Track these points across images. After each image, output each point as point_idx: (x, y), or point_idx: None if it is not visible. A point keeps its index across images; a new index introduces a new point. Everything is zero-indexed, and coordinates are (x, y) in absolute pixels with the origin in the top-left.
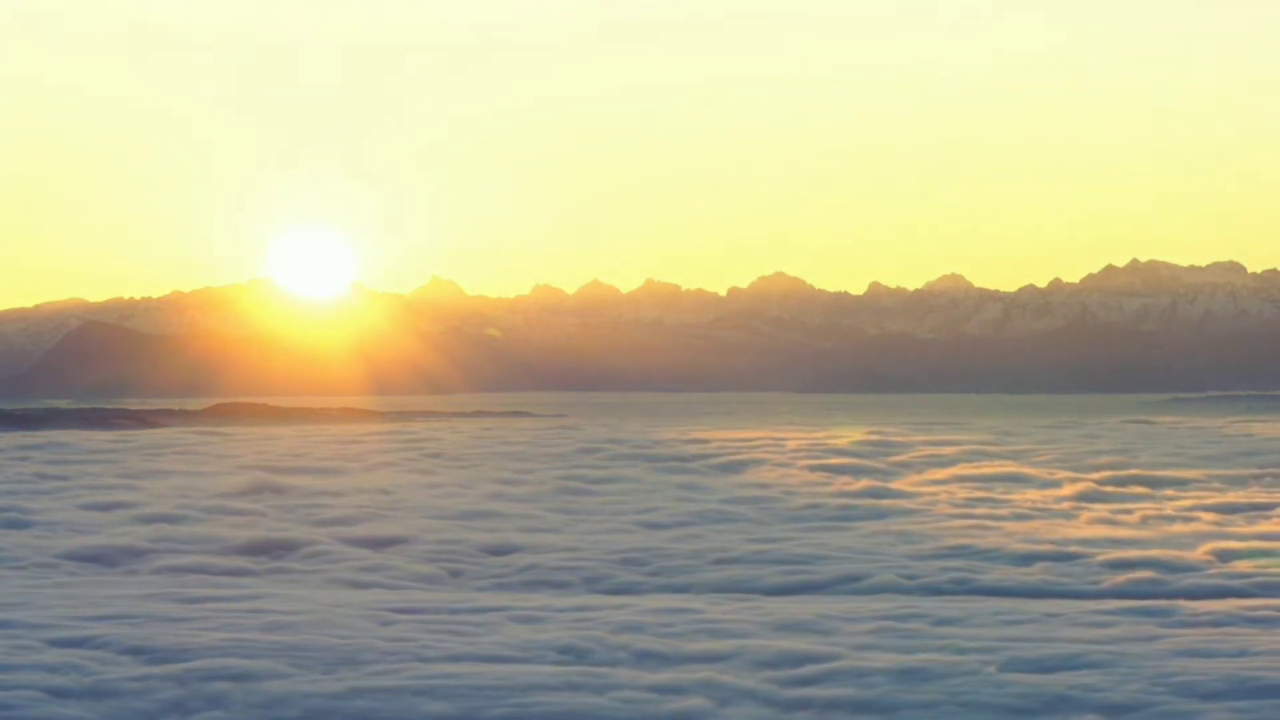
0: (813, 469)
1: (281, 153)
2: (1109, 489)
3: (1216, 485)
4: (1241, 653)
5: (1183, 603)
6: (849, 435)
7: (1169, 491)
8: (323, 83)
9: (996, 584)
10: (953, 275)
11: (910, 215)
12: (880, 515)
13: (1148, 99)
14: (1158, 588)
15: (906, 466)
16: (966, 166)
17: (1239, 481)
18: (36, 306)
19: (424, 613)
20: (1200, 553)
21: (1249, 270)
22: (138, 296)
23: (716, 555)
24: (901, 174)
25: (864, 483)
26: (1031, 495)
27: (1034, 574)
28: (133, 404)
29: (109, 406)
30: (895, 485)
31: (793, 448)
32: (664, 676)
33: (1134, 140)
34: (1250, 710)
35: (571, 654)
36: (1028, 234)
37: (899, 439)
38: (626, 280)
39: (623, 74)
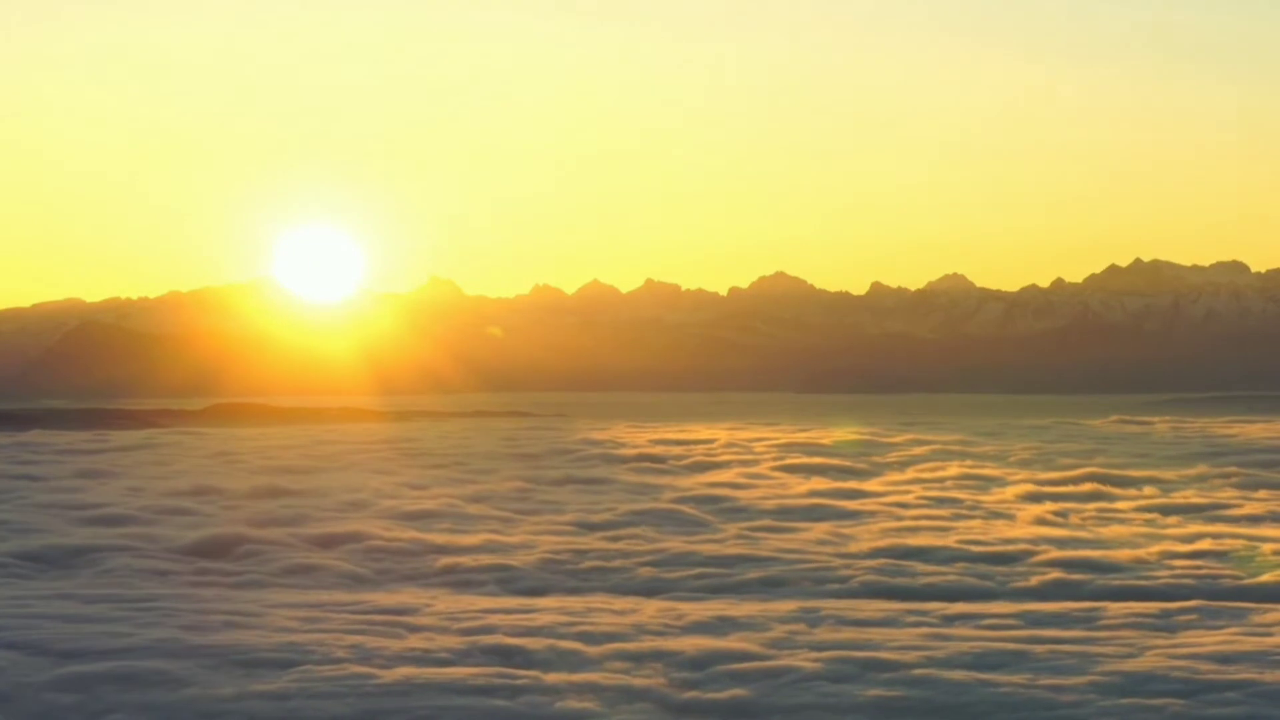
0: (780, 469)
1: (279, 153)
2: (1062, 489)
3: (1169, 486)
4: (1130, 655)
5: (1093, 604)
6: (832, 435)
7: (1119, 491)
8: (321, 83)
9: (908, 585)
10: (954, 275)
11: (910, 215)
12: (827, 516)
13: (1150, 99)
14: (1072, 590)
15: (878, 466)
16: (967, 166)
17: (1192, 482)
18: (34, 306)
19: (341, 613)
20: (1126, 554)
21: (1252, 270)
22: (135, 296)
23: (647, 556)
24: (902, 174)
25: (822, 483)
26: (984, 496)
27: (957, 575)
28: (131, 404)
29: (107, 407)
30: (852, 485)
31: (767, 447)
32: (570, 678)
33: (1137, 140)
34: (1119, 713)
35: (485, 656)
36: (1030, 234)
37: (878, 439)
38: (626, 280)
39: (623, 74)
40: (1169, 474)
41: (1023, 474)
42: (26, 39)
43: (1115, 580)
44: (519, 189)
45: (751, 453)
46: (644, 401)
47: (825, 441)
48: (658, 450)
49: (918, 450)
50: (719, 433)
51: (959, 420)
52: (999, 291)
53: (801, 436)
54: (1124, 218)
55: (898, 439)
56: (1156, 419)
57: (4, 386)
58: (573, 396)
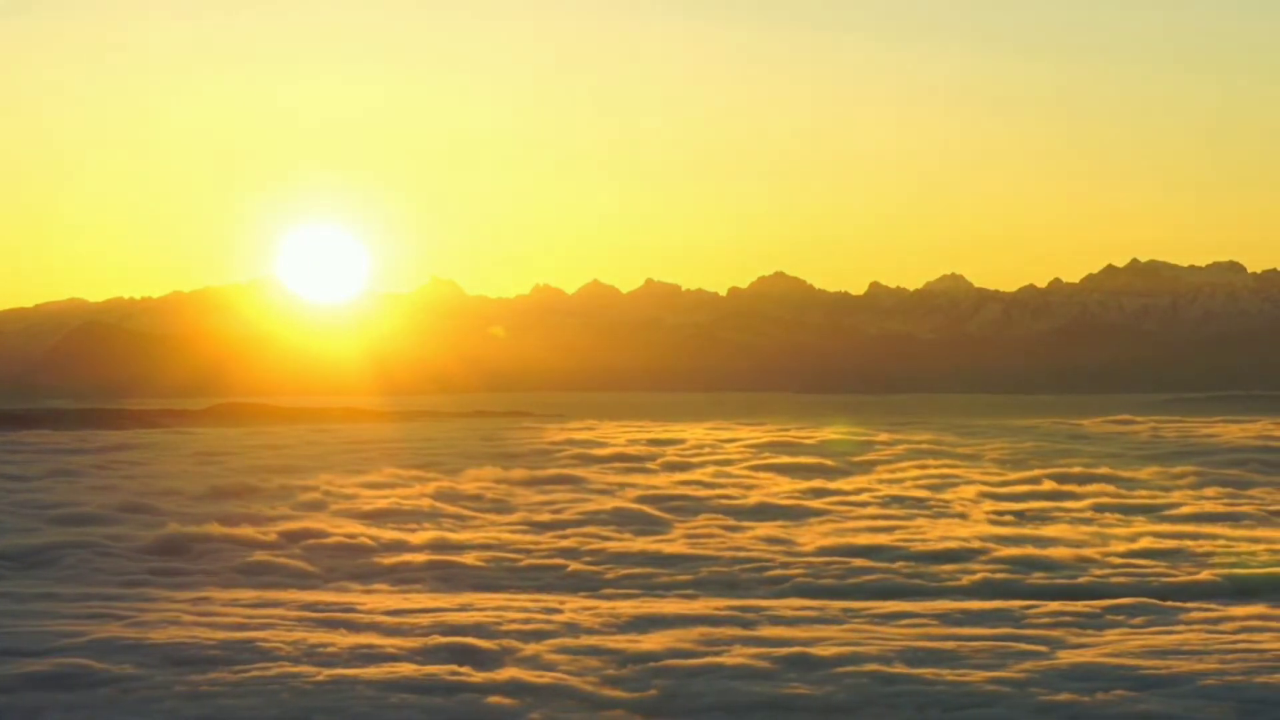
0: (752, 468)
1: (280, 153)
2: (1022, 489)
3: (1127, 485)
4: (1048, 652)
5: (1026, 602)
6: (817, 434)
7: (1078, 489)
8: (323, 83)
9: (848, 584)
10: (953, 275)
11: (910, 215)
12: (784, 515)
13: (1148, 99)
14: (1007, 588)
15: (851, 465)
16: (967, 166)
17: (1150, 482)
18: (36, 306)
19: (283, 610)
20: (1067, 553)
21: (1249, 270)
22: (138, 297)
23: (592, 555)
24: (900, 174)
25: (790, 482)
26: (945, 495)
27: (896, 575)
28: (133, 405)
29: (108, 407)
30: (818, 484)
31: (746, 447)
32: (503, 675)
33: (1134, 140)
34: (1023, 708)
35: (422, 654)
36: (1028, 234)
37: (864, 439)
38: (626, 280)
39: (623, 73)
40: (1131, 474)
41: (990, 474)
42: (28, 38)
43: (1051, 579)
44: (519, 189)
45: (728, 452)
46: (644, 401)
47: (808, 441)
48: (635, 450)
49: (896, 450)
50: (702, 432)
51: (950, 420)
52: (997, 292)
53: (784, 436)
54: (1121, 218)
55: (882, 438)
56: (1144, 419)
57: (6, 386)
58: (576, 396)
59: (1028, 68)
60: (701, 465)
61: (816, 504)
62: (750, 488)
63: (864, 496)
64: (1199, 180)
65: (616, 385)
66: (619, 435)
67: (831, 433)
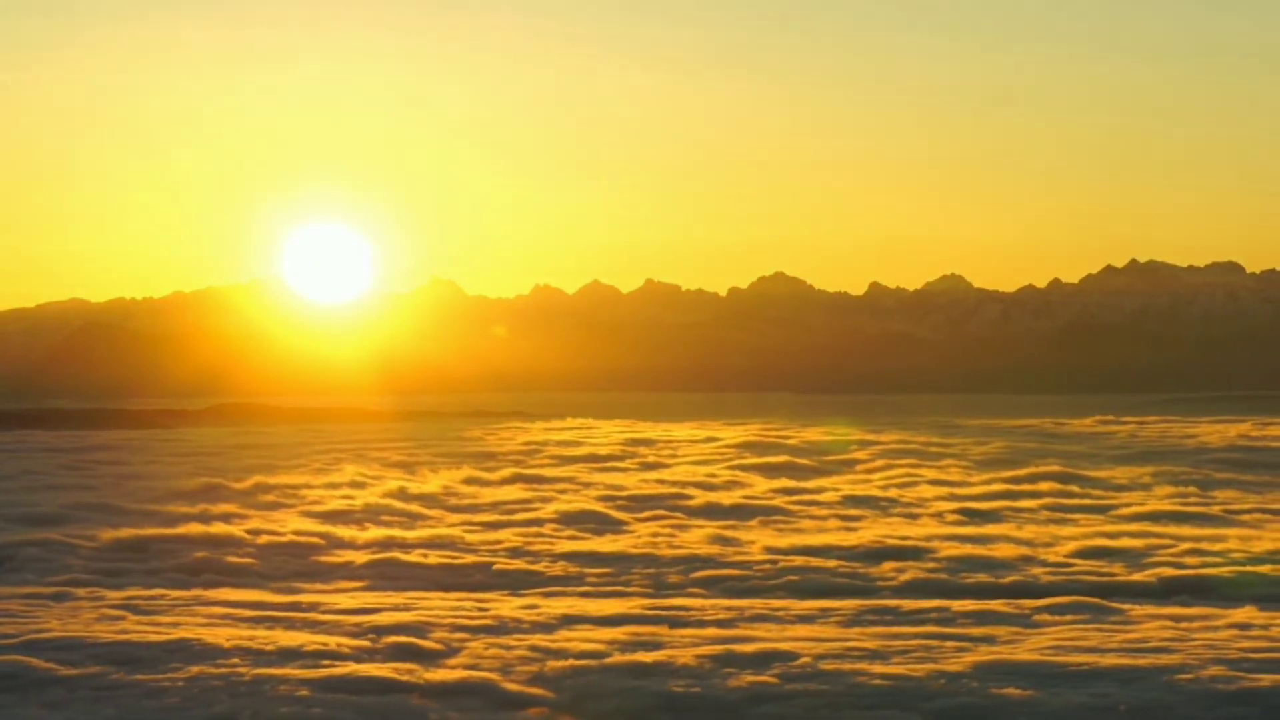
0: (728, 468)
1: (280, 154)
2: (986, 489)
3: (1089, 485)
4: (963, 650)
5: (960, 602)
6: (802, 435)
7: (1040, 488)
8: (323, 84)
9: (785, 584)
10: (953, 275)
11: (910, 215)
12: (744, 514)
13: (1147, 100)
14: (939, 587)
15: (826, 465)
16: (966, 167)
17: (1112, 482)
18: (39, 307)
19: (225, 609)
20: (1011, 551)
21: (1248, 271)
22: (139, 297)
23: (535, 555)
24: (901, 174)
25: (761, 482)
26: (907, 495)
27: (832, 575)
28: (134, 405)
29: (108, 408)
30: (784, 483)
31: (726, 447)
32: (434, 675)
33: (1134, 140)
34: (910, 705)
35: (359, 652)
36: (1028, 234)
37: (850, 439)
38: (626, 280)
39: (623, 74)
40: (1095, 474)
41: (956, 474)
42: (30, 37)
43: (988, 578)
44: (519, 189)
45: (706, 452)
46: (644, 401)
47: (789, 442)
48: (612, 449)
49: (876, 450)
50: (685, 432)
51: (941, 420)
52: (997, 292)
53: (765, 437)
54: (1120, 218)
55: (865, 438)
56: (1130, 419)
57: (8, 386)
58: (577, 396)
59: (1028, 67)
60: (675, 465)
61: (776, 503)
62: (715, 488)
63: (826, 496)
64: (1199, 180)
65: (617, 385)
66: (602, 435)
67: (819, 433)
